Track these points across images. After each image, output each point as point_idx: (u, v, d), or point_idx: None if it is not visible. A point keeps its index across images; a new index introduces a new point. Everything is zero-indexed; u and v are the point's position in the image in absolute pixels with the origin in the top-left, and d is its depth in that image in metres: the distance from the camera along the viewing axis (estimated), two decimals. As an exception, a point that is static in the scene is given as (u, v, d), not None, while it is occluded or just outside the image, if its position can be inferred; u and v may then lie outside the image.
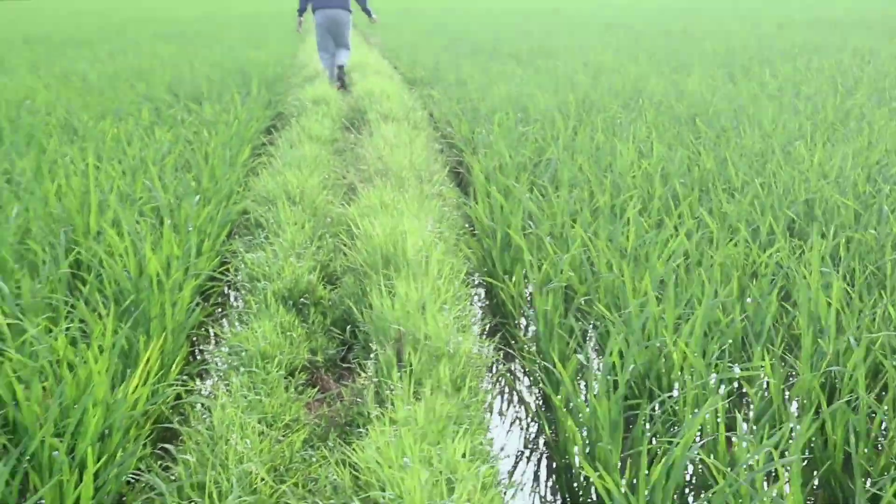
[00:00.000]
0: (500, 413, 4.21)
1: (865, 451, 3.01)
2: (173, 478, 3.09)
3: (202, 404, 3.63)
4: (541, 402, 4.20)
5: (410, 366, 3.65)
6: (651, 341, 3.76)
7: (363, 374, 3.88)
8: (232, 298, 5.67)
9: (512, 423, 4.07)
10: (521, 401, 4.30)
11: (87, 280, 4.48)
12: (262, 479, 2.98)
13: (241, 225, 6.73)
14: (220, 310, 5.44)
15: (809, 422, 2.89)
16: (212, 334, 5.02)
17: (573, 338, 4.14)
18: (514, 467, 3.71)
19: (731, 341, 3.89)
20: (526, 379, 4.52)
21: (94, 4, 68.72)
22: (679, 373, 3.65)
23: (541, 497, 3.53)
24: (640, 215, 5.37)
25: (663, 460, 2.77)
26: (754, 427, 3.21)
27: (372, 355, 3.98)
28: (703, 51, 15.22)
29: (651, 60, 13.83)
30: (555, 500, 3.51)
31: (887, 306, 3.85)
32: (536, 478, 3.67)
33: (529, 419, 4.10)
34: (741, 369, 3.77)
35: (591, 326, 4.57)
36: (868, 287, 4.34)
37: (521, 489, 3.55)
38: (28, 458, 2.92)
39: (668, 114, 8.89)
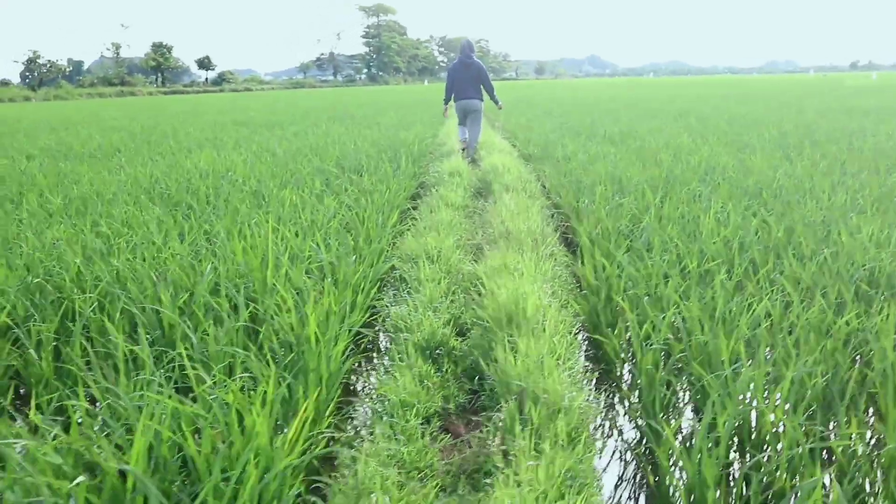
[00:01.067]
0: (607, 460, 3.73)
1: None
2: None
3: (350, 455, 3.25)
4: (643, 450, 3.72)
5: (531, 422, 3.24)
6: (744, 402, 3.30)
7: (489, 425, 3.46)
8: (380, 345, 5.30)
9: (619, 475, 3.59)
10: (626, 448, 3.83)
11: (261, 332, 4.18)
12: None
13: (389, 279, 6.38)
14: (368, 357, 5.07)
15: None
16: (360, 383, 4.67)
17: (671, 391, 3.74)
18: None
19: (815, 404, 3.41)
20: (628, 426, 4.06)
21: (286, 95, 70.26)
22: (771, 431, 3.19)
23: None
24: (725, 279, 4.89)
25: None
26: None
27: (497, 409, 3.57)
28: (761, 134, 14.59)
29: (719, 142, 13.24)
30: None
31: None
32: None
33: (634, 467, 3.62)
34: (826, 429, 3.31)
35: (686, 383, 4.11)
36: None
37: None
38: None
39: (738, 187, 8.36)
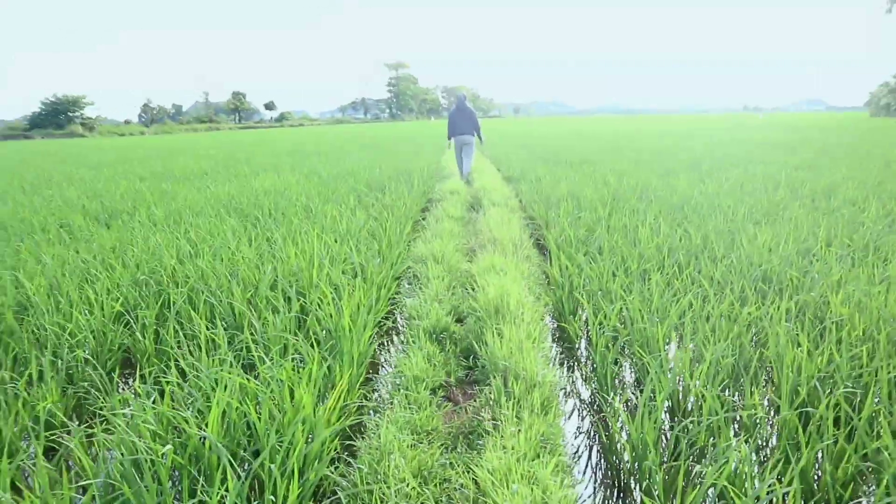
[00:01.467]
0: (571, 424, 3.60)
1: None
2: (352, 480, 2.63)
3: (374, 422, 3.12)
4: (599, 416, 3.60)
5: (514, 395, 3.11)
6: (675, 379, 3.17)
7: (481, 396, 3.33)
8: (399, 327, 5.16)
9: (580, 431, 3.46)
10: (585, 414, 3.70)
11: (308, 321, 4.06)
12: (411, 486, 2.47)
13: (405, 276, 6.23)
14: (390, 337, 4.94)
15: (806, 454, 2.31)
16: (384, 358, 4.54)
17: (618, 367, 3.63)
18: (580, 461, 3.14)
19: (727, 378, 3.31)
20: (585, 393, 3.93)
21: (329, 130, 69.89)
22: (696, 402, 3.08)
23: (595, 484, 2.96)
24: (658, 278, 4.77)
25: (699, 489, 2.22)
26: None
27: (487, 383, 3.45)
28: (681, 161, 14.43)
29: (650, 167, 13.05)
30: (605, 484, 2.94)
31: (832, 350, 3.24)
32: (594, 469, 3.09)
33: (591, 428, 3.50)
34: (736, 400, 3.21)
35: (630, 361, 3.99)
36: (816, 334, 3.72)
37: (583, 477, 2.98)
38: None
39: (667, 203, 8.21)
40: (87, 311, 4.38)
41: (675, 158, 15.08)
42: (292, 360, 3.40)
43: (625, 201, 8.57)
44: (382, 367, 4.33)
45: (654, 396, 3.02)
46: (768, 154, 15.92)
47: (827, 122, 48.46)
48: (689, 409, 3.18)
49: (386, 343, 4.76)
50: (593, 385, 3.76)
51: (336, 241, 6.24)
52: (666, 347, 3.58)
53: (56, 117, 78.03)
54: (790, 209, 7.71)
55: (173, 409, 2.98)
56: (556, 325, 4.98)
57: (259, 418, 2.67)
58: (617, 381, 3.73)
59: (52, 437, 3.19)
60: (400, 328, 5.04)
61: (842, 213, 7.25)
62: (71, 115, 79.02)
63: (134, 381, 4.03)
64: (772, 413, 3.22)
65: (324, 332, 3.87)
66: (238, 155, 21.11)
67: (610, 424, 3.00)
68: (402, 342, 4.39)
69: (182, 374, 3.72)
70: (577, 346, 4.53)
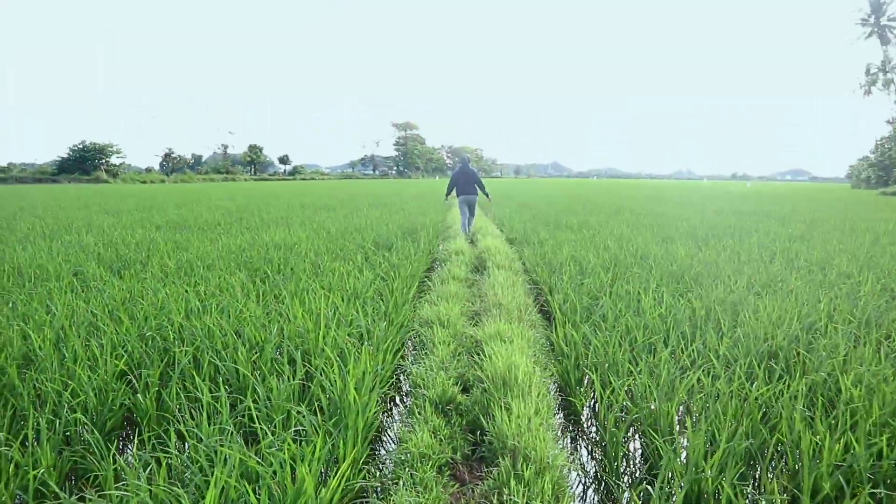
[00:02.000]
0: None
1: None
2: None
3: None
4: (609, 492, 3.33)
5: (523, 478, 2.86)
6: (693, 474, 2.92)
7: (489, 478, 3.08)
8: (403, 391, 4.91)
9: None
10: (596, 496, 3.44)
11: (312, 389, 3.82)
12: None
13: (410, 338, 6.00)
14: (394, 404, 4.69)
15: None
16: (389, 422, 4.28)
17: (628, 447, 3.38)
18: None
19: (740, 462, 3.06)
20: (595, 468, 3.67)
21: (339, 184, 70.34)
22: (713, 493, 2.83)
23: None
24: (665, 354, 4.54)
25: None
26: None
27: (494, 463, 3.19)
28: (677, 228, 14.29)
29: (649, 233, 12.89)
30: None
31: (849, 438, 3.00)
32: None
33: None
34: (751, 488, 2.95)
35: (640, 440, 3.74)
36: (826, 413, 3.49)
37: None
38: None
39: (667, 271, 8.03)
40: (90, 367, 4.16)
41: (671, 225, 14.95)
42: (295, 431, 3.17)
43: (626, 267, 8.38)
44: (387, 435, 4.08)
45: (670, 486, 2.78)
46: (761, 224, 15.80)
47: (812, 193, 48.60)
48: (704, 497, 2.93)
49: (390, 409, 4.51)
50: (603, 465, 3.50)
51: (343, 301, 6.03)
52: (676, 428, 3.35)
53: (83, 163, 78.62)
54: (788, 281, 7.51)
55: (170, 482, 2.74)
56: (561, 398, 4.73)
57: (258, 501, 2.42)
58: (627, 461, 3.48)
59: (42, 508, 2.94)
60: (404, 393, 4.79)
61: (839, 287, 7.06)
62: (97, 161, 79.67)
63: (133, 445, 3.78)
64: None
65: (328, 401, 3.62)
66: (251, 207, 21.03)
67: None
68: (408, 412, 4.14)
69: (182, 439, 3.48)
70: (583, 417, 4.29)
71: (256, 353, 4.44)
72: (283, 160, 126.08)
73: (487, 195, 13.94)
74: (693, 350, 4.68)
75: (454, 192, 13.97)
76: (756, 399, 3.71)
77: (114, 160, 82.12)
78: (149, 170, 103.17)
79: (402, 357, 5.31)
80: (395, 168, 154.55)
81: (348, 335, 4.86)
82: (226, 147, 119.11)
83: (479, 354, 4.84)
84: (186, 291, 6.30)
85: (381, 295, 6.63)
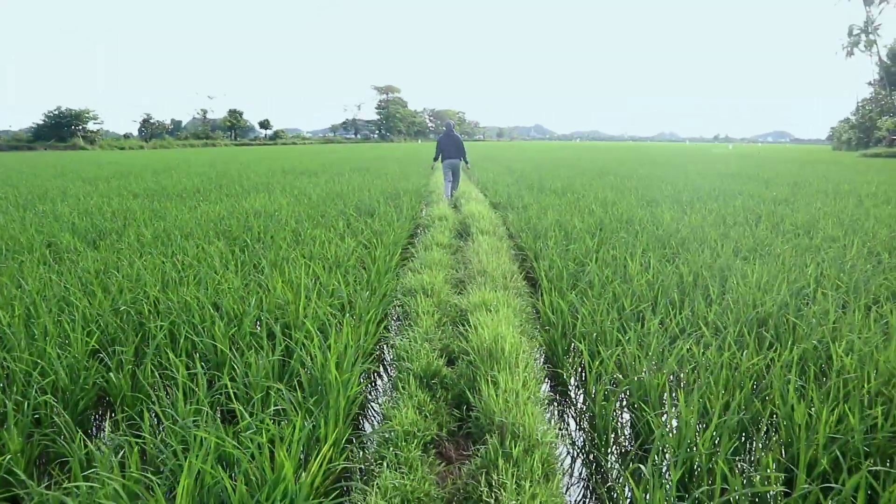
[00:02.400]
0: (575, 490, 3.24)
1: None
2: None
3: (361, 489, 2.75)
4: (599, 466, 3.25)
5: (512, 457, 2.76)
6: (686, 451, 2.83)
7: (477, 456, 2.97)
8: (387, 365, 4.80)
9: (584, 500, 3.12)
10: (587, 471, 3.35)
11: (292, 364, 3.68)
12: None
13: (394, 309, 5.86)
14: (377, 377, 4.58)
15: None
16: (373, 395, 4.17)
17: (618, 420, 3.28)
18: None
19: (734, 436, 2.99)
20: (584, 442, 3.58)
21: (320, 149, 69.50)
22: (706, 467, 2.74)
23: None
24: (653, 320, 4.44)
25: None
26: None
27: (482, 441, 3.09)
28: (662, 191, 14.18)
29: (633, 197, 12.75)
30: None
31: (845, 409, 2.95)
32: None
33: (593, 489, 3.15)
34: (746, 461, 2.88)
35: (629, 411, 3.66)
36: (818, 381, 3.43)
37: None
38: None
39: (653, 236, 7.94)
40: (61, 345, 4.00)
41: (655, 188, 14.84)
42: (274, 410, 3.04)
43: (612, 232, 8.28)
44: (371, 410, 3.97)
45: (664, 459, 2.69)
46: (745, 186, 15.73)
47: (794, 155, 48.74)
48: (697, 473, 2.84)
49: (374, 382, 4.40)
50: (593, 439, 3.41)
51: (324, 270, 5.88)
52: (667, 401, 3.25)
53: (59, 130, 76.81)
54: (774, 245, 7.46)
55: (143, 468, 2.62)
56: (549, 368, 4.63)
57: (234, 490, 2.30)
58: (617, 435, 3.39)
59: (9, 494, 2.81)
60: (388, 365, 4.68)
61: (825, 251, 7.00)
62: (74, 128, 78.00)
63: (106, 426, 3.64)
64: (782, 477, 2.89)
65: (309, 377, 3.49)
66: (231, 173, 20.64)
67: (617, 495, 2.66)
68: (392, 386, 4.02)
69: (158, 419, 3.35)
70: (570, 388, 4.20)
71: (234, 326, 4.29)
72: (264, 125, 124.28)
73: (467, 163, 14.19)
74: (682, 318, 4.59)
75: (441, 158, 13.98)
76: (747, 370, 3.63)
77: (91, 126, 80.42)
78: (127, 136, 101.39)
79: (385, 328, 5.18)
80: (378, 132, 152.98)
81: (329, 306, 4.71)
82: (205, 112, 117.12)
83: (464, 325, 4.71)
84: (163, 262, 6.12)
85: (364, 263, 6.49)
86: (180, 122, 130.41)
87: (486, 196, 14.63)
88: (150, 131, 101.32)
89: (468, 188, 15.86)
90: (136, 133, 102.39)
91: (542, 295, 5.36)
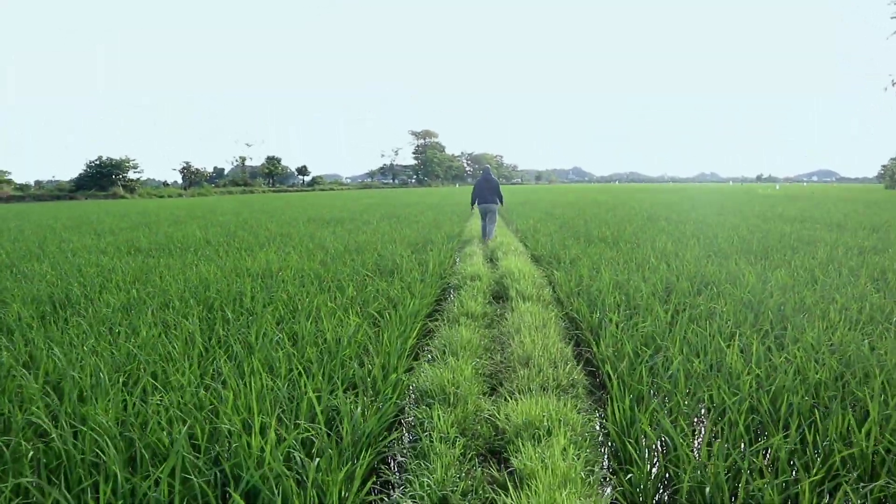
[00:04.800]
0: None
1: None
2: None
3: None
4: None
5: None
6: None
7: None
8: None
9: None
10: None
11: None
12: None
13: (401, 424, 4.24)
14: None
15: None
16: None
17: None
18: None
19: None
20: None
21: (356, 194, 68.88)
22: None
23: None
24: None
25: None
26: None
27: None
28: (726, 238, 12.43)
29: (697, 246, 11.02)
30: None
31: None
32: None
33: None
34: None
35: None
36: None
37: None
38: None
39: (739, 302, 6.28)
40: None
41: (717, 235, 13.06)
42: None
43: (684, 296, 6.63)
44: None
45: None
46: (818, 233, 13.83)
47: (847, 195, 46.14)
48: None
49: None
50: None
51: (312, 361, 4.35)
52: None
53: (100, 179, 77.84)
54: (894, 310, 5.81)
55: None
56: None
57: None
58: None
59: None
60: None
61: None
62: (114, 177, 78.91)
63: None
64: None
65: None
66: (252, 222, 19.40)
67: None
68: None
69: None
70: None
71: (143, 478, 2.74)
72: (302, 171, 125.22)
73: (502, 202, 14.70)
74: (827, 446, 2.91)
75: (478, 201, 14.54)
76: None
77: (131, 175, 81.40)
78: (166, 184, 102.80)
79: (382, 460, 3.57)
80: (415, 176, 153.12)
81: (299, 437, 3.13)
82: (243, 159, 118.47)
83: (501, 462, 3.10)
84: (109, 348, 4.67)
85: (367, 350, 4.92)
86: (223, 169, 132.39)
87: (527, 247, 12.98)
88: (190, 179, 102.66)
89: (506, 238, 14.23)
90: (179, 181, 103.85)
91: (612, 406, 3.70)
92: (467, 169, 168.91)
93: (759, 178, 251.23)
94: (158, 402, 3.50)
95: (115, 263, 9.68)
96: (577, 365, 5.00)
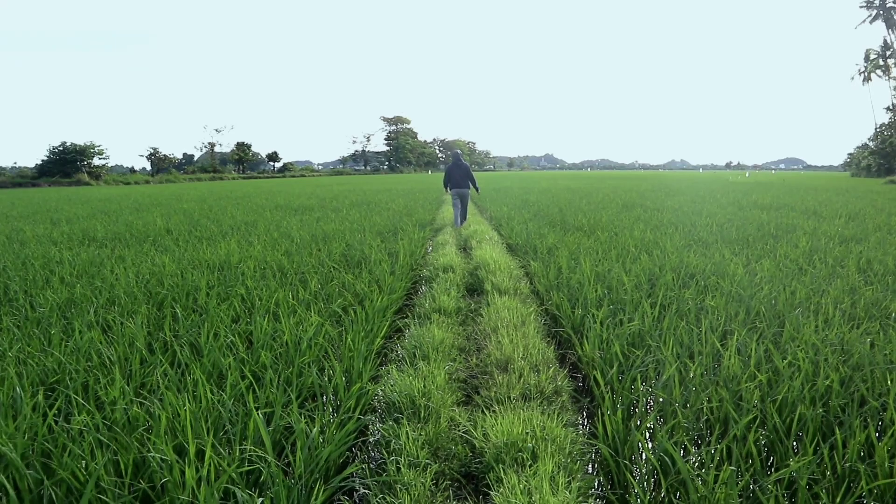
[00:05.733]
0: None
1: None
2: None
3: None
4: None
5: None
6: None
7: None
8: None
9: None
10: None
11: None
12: None
13: (364, 442, 3.75)
14: None
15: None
16: None
17: None
18: None
19: None
20: None
21: (327, 181, 67.90)
22: None
23: None
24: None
25: None
26: None
27: None
28: (706, 226, 12.13)
29: (676, 235, 10.65)
30: None
31: None
32: None
33: None
34: None
35: None
36: None
37: None
38: None
39: (727, 294, 5.94)
40: None
41: (694, 223, 12.74)
42: None
43: (669, 289, 6.24)
44: None
45: None
46: (796, 220, 13.58)
47: (816, 182, 46.37)
48: None
49: None
50: None
51: (269, 368, 3.86)
52: None
53: (64, 165, 75.47)
54: (890, 306, 5.51)
55: None
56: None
57: None
58: None
59: None
60: None
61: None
62: (79, 163, 76.58)
63: None
64: None
65: None
66: (216, 209, 18.70)
67: None
68: None
69: None
70: None
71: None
72: (272, 158, 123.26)
73: (477, 189, 15.20)
74: (848, 467, 2.53)
75: (449, 186, 14.75)
76: None
77: (96, 161, 79.20)
78: (133, 170, 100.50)
79: (343, 493, 3.09)
80: (387, 163, 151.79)
81: (230, 486, 2.65)
82: (212, 145, 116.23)
83: (481, 493, 2.66)
84: (25, 359, 4.12)
85: (328, 353, 4.43)
86: (192, 156, 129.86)
87: (501, 235, 12.54)
88: (157, 165, 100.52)
89: (480, 227, 13.72)
90: (148, 167, 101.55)
91: (601, 418, 3.27)
92: (440, 155, 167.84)
93: (728, 166, 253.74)
94: (82, 425, 2.98)
95: (64, 255, 9.03)
96: (561, 369, 4.58)
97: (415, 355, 4.61)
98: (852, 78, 68.62)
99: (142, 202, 24.71)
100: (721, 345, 4.42)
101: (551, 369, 4.33)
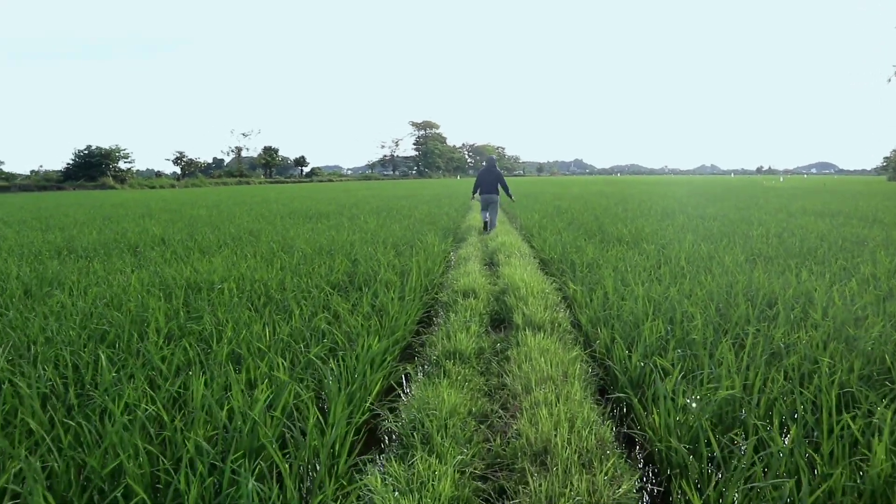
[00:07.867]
0: None
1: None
2: None
3: None
4: None
5: None
6: None
7: None
8: None
9: None
10: None
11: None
12: None
13: None
14: None
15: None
16: None
17: None
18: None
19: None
20: None
21: (353, 185, 67.03)
22: None
23: None
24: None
25: None
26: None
27: None
28: (762, 237, 10.64)
29: (736, 248, 9.12)
30: None
31: None
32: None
33: None
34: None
35: None
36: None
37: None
38: None
39: (829, 331, 4.53)
40: None
41: (747, 234, 11.15)
42: None
43: (746, 321, 4.85)
44: None
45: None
46: (858, 229, 12.00)
47: (855, 188, 44.11)
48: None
49: None
50: None
51: (189, 472, 2.54)
52: None
53: (88, 169, 75.37)
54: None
55: None
56: None
57: None
58: None
59: None
60: None
61: None
62: (104, 167, 76.41)
63: None
64: None
65: None
66: (223, 217, 17.49)
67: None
68: None
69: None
70: None
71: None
72: (300, 162, 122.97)
73: (510, 195, 14.60)
74: None
75: (479, 192, 14.33)
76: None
77: (122, 164, 79.09)
78: (159, 174, 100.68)
79: None
80: (416, 168, 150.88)
81: None
82: (239, 150, 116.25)
83: None
84: None
85: (286, 440, 3.08)
86: (222, 160, 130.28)
87: (533, 247, 11.08)
88: (183, 170, 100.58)
89: (509, 237, 12.20)
90: (178, 171, 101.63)
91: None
92: (469, 160, 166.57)
93: (759, 171, 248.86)
94: None
95: (19, 270, 7.81)
96: (622, 455, 3.19)
97: (412, 433, 3.25)
98: (889, 80, 66.21)
99: (153, 207, 23.72)
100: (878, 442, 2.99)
101: (610, 462, 2.95)
